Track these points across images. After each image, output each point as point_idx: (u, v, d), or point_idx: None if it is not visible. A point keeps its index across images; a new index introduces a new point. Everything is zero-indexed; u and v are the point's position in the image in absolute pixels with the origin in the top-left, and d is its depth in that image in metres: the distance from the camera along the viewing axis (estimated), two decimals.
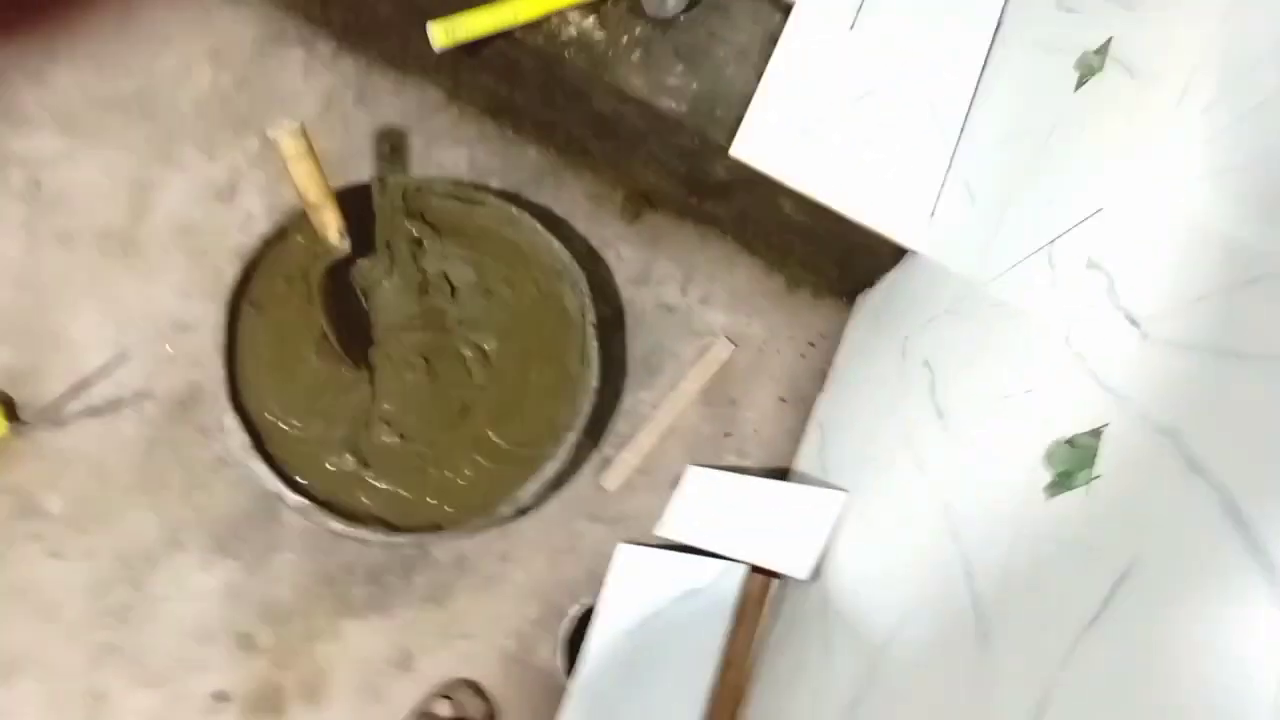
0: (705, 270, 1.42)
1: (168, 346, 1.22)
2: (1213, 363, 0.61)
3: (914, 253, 1.27)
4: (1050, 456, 0.72)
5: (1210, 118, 0.77)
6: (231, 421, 1.07)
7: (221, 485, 1.18)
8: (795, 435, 1.37)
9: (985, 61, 1.34)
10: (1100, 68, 0.99)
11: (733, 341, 1.39)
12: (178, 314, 1.23)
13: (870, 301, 1.39)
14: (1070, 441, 0.72)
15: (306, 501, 1.05)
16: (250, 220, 1.28)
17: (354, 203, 1.17)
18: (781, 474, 1.34)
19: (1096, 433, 0.70)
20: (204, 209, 1.28)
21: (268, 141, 1.29)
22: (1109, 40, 1.00)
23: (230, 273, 1.12)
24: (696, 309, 1.40)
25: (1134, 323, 0.72)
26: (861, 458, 1.14)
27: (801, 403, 1.39)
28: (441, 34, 1.16)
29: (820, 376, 1.40)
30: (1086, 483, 0.68)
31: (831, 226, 1.30)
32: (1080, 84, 1.02)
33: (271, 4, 1.37)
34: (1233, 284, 0.64)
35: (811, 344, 1.42)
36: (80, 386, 1.18)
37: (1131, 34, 0.96)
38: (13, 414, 1.15)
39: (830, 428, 1.29)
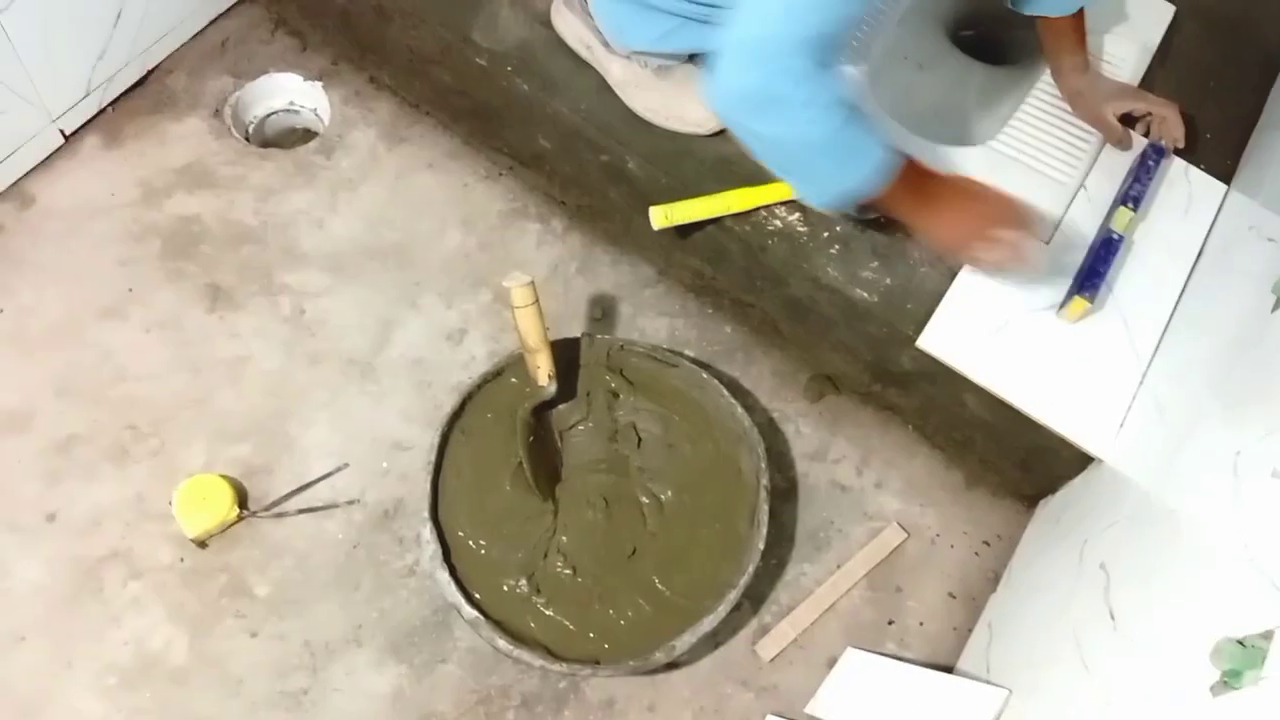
0: (883, 455, 1.45)
1: (384, 462, 1.36)
2: None
3: (1100, 461, 1.26)
4: (1218, 655, 0.70)
5: None
6: (427, 533, 1.17)
7: (406, 593, 1.28)
8: (961, 633, 1.34)
9: (1185, 285, 1.35)
10: None
11: (905, 529, 1.39)
12: (398, 435, 1.38)
13: (1050, 507, 1.37)
14: (1241, 641, 0.70)
15: (479, 615, 1.13)
16: (472, 361, 1.43)
17: (564, 354, 1.30)
18: (944, 670, 1.30)
19: (1268, 635, 0.68)
20: (435, 348, 1.44)
21: (498, 297, 1.47)
22: None
23: (449, 404, 1.25)
24: (870, 492, 1.42)
25: None
26: (1029, 658, 1.11)
27: (970, 601, 1.36)
28: (661, 217, 1.30)
29: (993, 577, 1.38)
30: (1254, 683, 0.66)
31: (1016, 426, 1.31)
32: (1276, 307, 1.03)
33: (519, 185, 1.58)
34: None
35: (986, 543, 1.41)
36: (303, 487, 1.33)
37: None
38: (243, 503, 1.31)
39: (999, 627, 1.26)
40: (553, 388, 1.25)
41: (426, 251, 1.52)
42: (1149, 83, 1.53)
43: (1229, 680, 0.68)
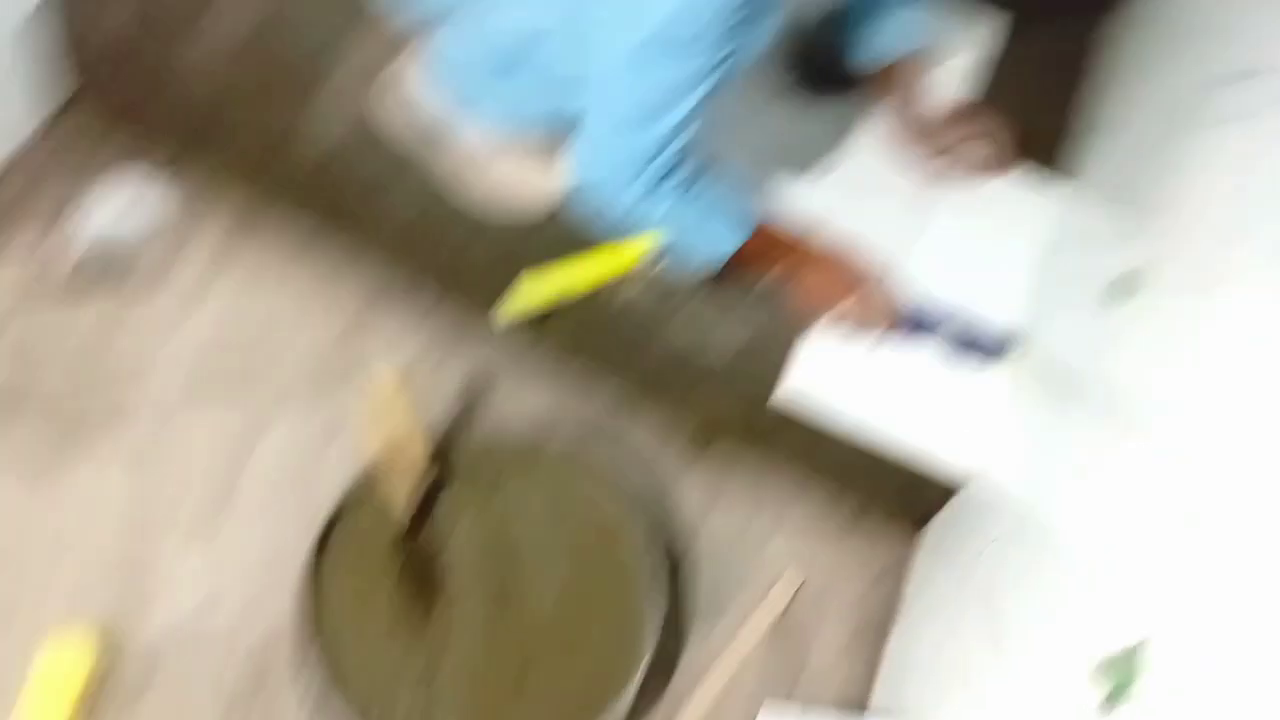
0: (771, 502, 1.45)
1: (259, 588, 1.29)
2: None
3: (971, 482, 1.29)
4: (1098, 674, 0.71)
5: None
6: (308, 661, 1.11)
7: None
8: (870, 669, 1.34)
9: (1034, 287, 1.40)
10: (1133, 292, 1.04)
11: (801, 573, 1.40)
12: (269, 556, 1.31)
13: (934, 531, 1.40)
14: (1118, 656, 0.71)
15: None
16: (343, 466, 1.38)
17: (438, 451, 1.26)
18: (858, 711, 1.30)
19: (1141, 646, 0.70)
20: (302, 459, 1.39)
21: (364, 393, 1.42)
22: (1138, 266, 1.05)
23: (319, 520, 1.20)
24: (763, 540, 1.42)
25: (1173, 539, 0.73)
26: (929, 691, 1.12)
27: (874, 635, 1.37)
28: (514, 308, 1.28)
29: (891, 609, 1.39)
30: (1137, 696, 0.68)
31: (889, 462, 1.33)
32: (1110, 303, 1.07)
33: (378, 263, 1.52)
34: None
35: (880, 577, 1.42)
36: (174, 624, 1.25)
37: (1161, 258, 1.02)
38: (106, 645, 1.22)
39: (902, 660, 1.27)
40: (424, 494, 1.21)
41: (284, 355, 1.46)
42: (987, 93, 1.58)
43: (1113, 697, 0.69)
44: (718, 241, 1.20)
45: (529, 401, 1.47)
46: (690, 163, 1.13)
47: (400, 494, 1.20)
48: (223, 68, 1.41)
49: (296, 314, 1.49)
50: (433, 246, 1.43)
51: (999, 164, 1.47)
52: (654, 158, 1.08)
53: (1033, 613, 0.92)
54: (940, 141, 1.45)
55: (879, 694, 1.29)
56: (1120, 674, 0.69)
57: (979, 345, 1.31)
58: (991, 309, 1.37)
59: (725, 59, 1.04)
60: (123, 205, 1.54)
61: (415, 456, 1.19)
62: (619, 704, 1.12)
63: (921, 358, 1.33)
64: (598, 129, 1.10)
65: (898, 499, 1.42)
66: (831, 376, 1.31)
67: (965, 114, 1.48)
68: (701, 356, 1.34)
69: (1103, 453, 0.92)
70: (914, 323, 1.32)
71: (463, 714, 1.15)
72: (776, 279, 1.27)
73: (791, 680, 1.33)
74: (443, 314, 1.52)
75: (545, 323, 1.41)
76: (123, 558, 1.29)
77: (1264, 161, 0.87)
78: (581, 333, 1.43)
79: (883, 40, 1.41)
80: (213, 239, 1.53)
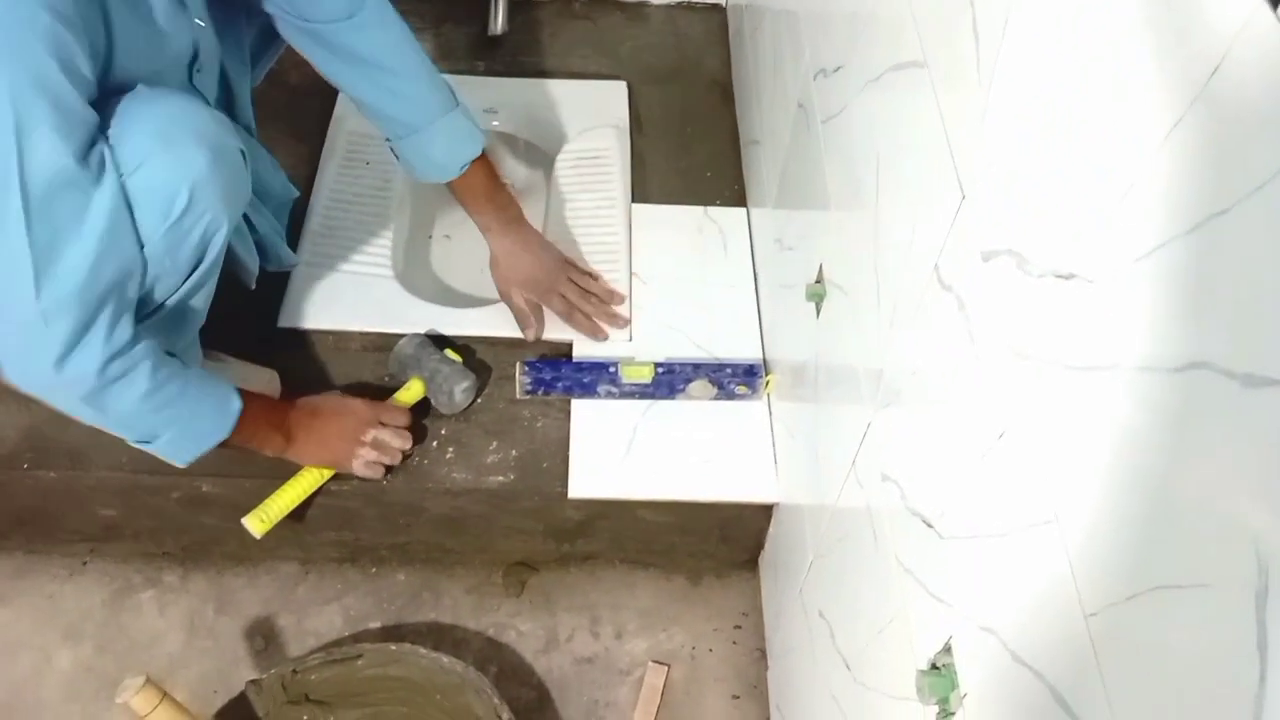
0: (607, 605, 1.40)
1: None
2: (997, 546, 0.62)
3: (776, 505, 1.29)
4: (921, 690, 0.70)
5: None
6: None
7: None
8: None
9: (759, 314, 1.44)
10: (824, 293, 1.07)
11: (662, 663, 1.35)
12: None
13: (766, 563, 1.39)
14: (933, 665, 0.70)
15: None
16: None
17: (242, 715, 1.15)
18: None
19: (948, 648, 0.69)
20: None
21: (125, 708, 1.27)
22: (821, 266, 1.08)
23: None
24: (615, 647, 1.37)
25: (928, 524, 0.73)
26: None
27: (755, 690, 1.34)
28: (256, 523, 1.18)
29: (761, 655, 1.36)
30: (960, 705, 0.66)
31: (696, 512, 1.32)
32: (819, 310, 1.09)
33: (110, 563, 1.40)
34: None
35: (738, 627, 1.39)
36: None
37: (831, 257, 1.05)
38: None
39: (784, 706, 1.24)
40: None
41: (40, 692, 1.29)
42: (638, 155, 1.62)
43: (943, 709, 0.68)
44: (211, 426, 1.07)
45: (321, 629, 1.36)
46: (154, 356, 0.99)
47: None
48: None
49: (38, 649, 1.33)
50: (160, 503, 1.31)
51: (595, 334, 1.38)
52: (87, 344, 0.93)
53: (860, 627, 0.91)
54: (525, 293, 1.37)
55: None
56: (939, 685, 0.68)
57: (733, 383, 1.33)
58: (733, 345, 1.39)
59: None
60: None
61: None
62: None
63: (689, 410, 1.33)
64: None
65: (721, 546, 1.40)
66: (612, 457, 1.29)
67: (551, 280, 1.37)
68: (479, 494, 1.28)
69: (855, 447, 0.92)
70: (669, 382, 1.32)
71: None
72: (290, 450, 1.19)
73: None
74: (194, 584, 1.39)
75: (306, 523, 1.32)
76: None
77: (856, 150, 0.91)
78: (350, 521, 1.34)
79: (437, 157, 1.27)
80: None
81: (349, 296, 1.40)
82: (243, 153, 1.07)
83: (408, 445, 1.25)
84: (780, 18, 1.34)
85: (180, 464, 1.08)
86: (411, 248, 1.59)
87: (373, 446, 1.22)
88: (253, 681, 1.18)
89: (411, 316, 1.39)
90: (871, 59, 0.88)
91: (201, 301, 1.11)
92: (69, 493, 1.29)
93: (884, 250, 0.84)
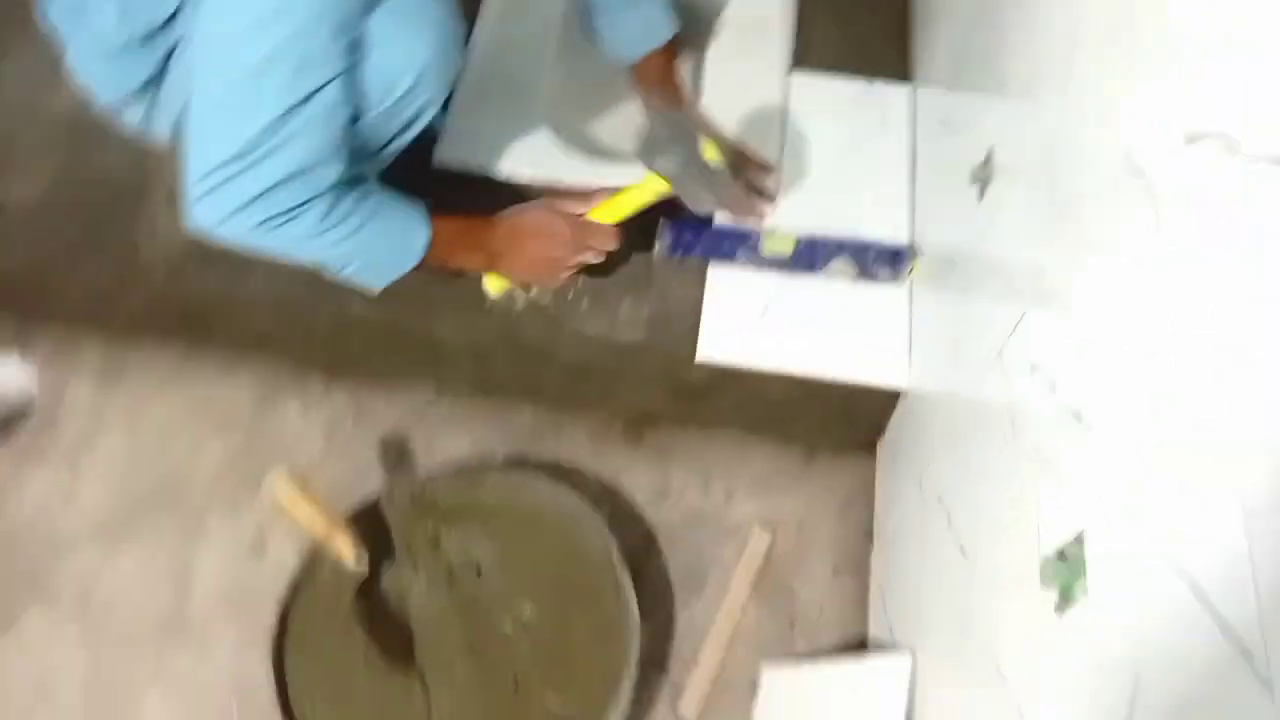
0: (720, 467, 1.43)
1: (235, 713, 1.25)
2: (1155, 444, 0.60)
3: (905, 392, 1.28)
4: (1045, 575, 0.70)
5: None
6: None
7: None
8: (860, 603, 1.33)
9: (913, 193, 1.39)
10: (990, 177, 1.02)
11: (769, 528, 1.38)
12: (237, 676, 1.27)
13: (886, 448, 1.38)
14: (1061, 554, 0.70)
15: None
16: (284, 569, 1.31)
17: (369, 518, 1.23)
18: (859, 647, 1.29)
19: (1080, 539, 0.68)
20: (241, 571, 1.34)
21: (268, 500, 1.37)
22: (991, 150, 1.04)
23: (273, 624, 1.16)
24: (723, 507, 1.40)
25: (1078, 418, 0.71)
26: (917, 612, 1.11)
27: (857, 568, 1.36)
28: (493, 285, 1.24)
29: (867, 535, 1.38)
30: (1084, 593, 0.66)
31: (822, 390, 1.32)
32: (981, 196, 1.05)
33: (260, 368, 1.49)
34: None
35: (847, 505, 1.41)
36: None
37: (1004, 140, 1.00)
38: None
39: (887, 586, 1.26)
40: (365, 563, 1.18)
41: (193, 476, 1.41)
42: (801, 19, 1.56)
43: (1064, 596, 0.68)
44: (410, 250, 1.10)
45: (449, 452, 1.43)
46: (330, 195, 1.01)
47: (343, 563, 1.17)
48: (30, 233, 1.36)
49: (191, 438, 1.44)
50: (312, 320, 1.38)
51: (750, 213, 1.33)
52: (261, 196, 0.96)
53: (982, 514, 0.91)
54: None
55: (873, 626, 1.28)
56: (1065, 573, 0.68)
57: (877, 265, 1.30)
58: (880, 227, 1.35)
59: (332, 85, 0.96)
60: None
61: (345, 536, 1.15)
62: (618, 707, 1.10)
63: (825, 288, 1.31)
64: (196, 170, 0.96)
65: (842, 426, 1.40)
66: (743, 327, 1.29)
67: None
68: (610, 347, 1.31)
69: (1004, 337, 0.90)
70: (809, 258, 1.30)
71: None
72: (491, 266, 1.20)
73: (787, 635, 1.32)
74: (336, 396, 1.48)
75: (447, 351, 1.37)
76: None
77: (1048, 20, 0.85)
78: (486, 357, 1.39)
79: (626, 35, 1.32)
80: (85, 391, 1.47)
81: (501, 141, 1.41)
82: (464, 39, 1.10)
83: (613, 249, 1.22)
84: None
85: (375, 289, 1.13)
86: (565, 99, 1.58)
87: (568, 265, 1.21)
88: (386, 490, 1.26)
89: (562, 164, 1.39)
90: None
91: (391, 155, 1.15)
92: (228, 300, 1.37)
93: (1067, 131, 0.80)
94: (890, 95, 1.49)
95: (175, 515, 1.38)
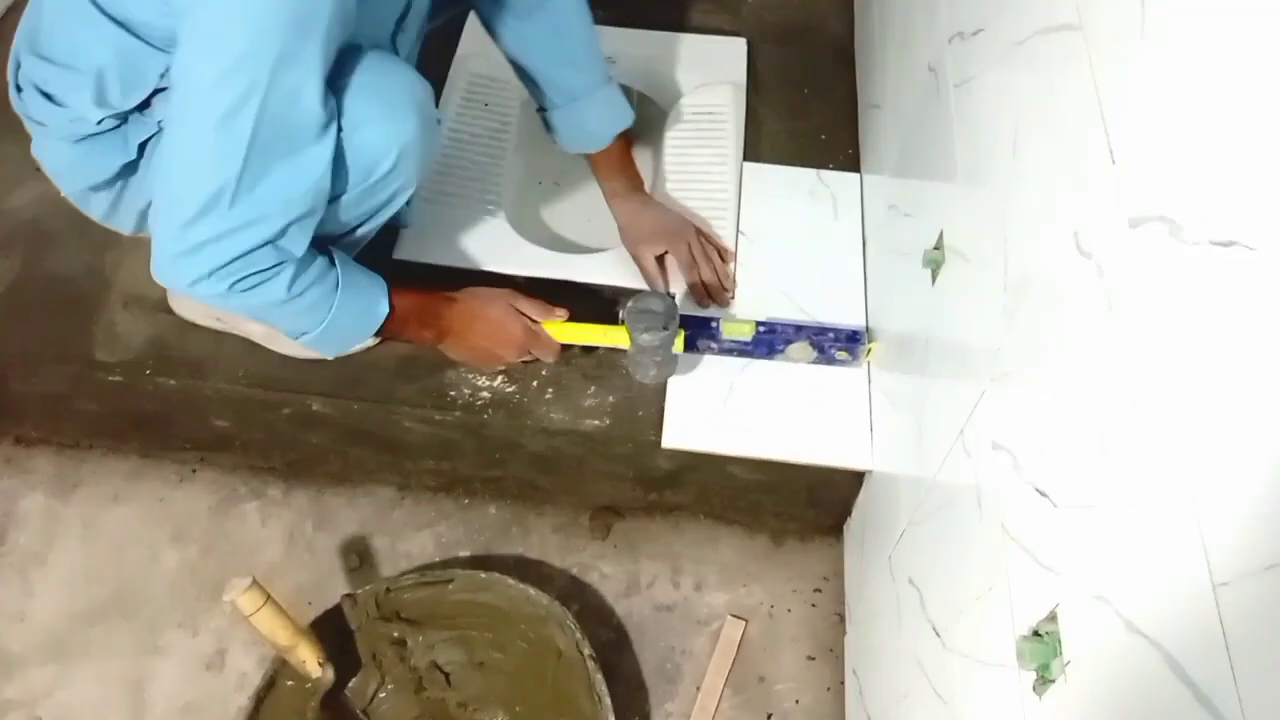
0: (689, 557, 1.42)
1: None
2: (1120, 516, 0.61)
3: (869, 473, 1.29)
4: (1021, 655, 0.69)
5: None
6: None
7: None
8: (836, 690, 1.31)
9: (864, 281, 1.42)
10: (942, 260, 1.05)
11: (740, 617, 1.36)
12: None
13: (853, 530, 1.38)
14: (1036, 632, 0.70)
15: None
16: (245, 679, 1.29)
17: (332, 627, 1.19)
18: None
19: (1053, 616, 0.68)
20: (199, 684, 1.29)
21: (230, 608, 1.33)
22: (941, 234, 1.07)
23: None
24: (694, 597, 1.39)
25: (1042, 494, 0.72)
26: (893, 695, 1.09)
27: (830, 653, 1.34)
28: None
29: (839, 620, 1.37)
30: (1062, 671, 0.66)
31: (786, 474, 1.32)
32: (934, 279, 1.08)
33: (217, 472, 1.46)
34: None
35: (818, 590, 1.40)
36: None
37: (954, 225, 1.03)
38: None
39: (862, 672, 1.24)
40: (329, 672, 1.14)
41: (149, 586, 1.37)
42: (753, 114, 1.61)
43: (1042, 676, 0.67)
44: (368, 320, 1.12)
45: (413, 553, 1.41)
46: (303, 261, 1.02)
47: (307, 674, 1.13)
48: None
49: (148, 547, 1.40)
50: (271, 419, 1.36)
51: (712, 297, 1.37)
52: (240, 259, 0.96)
53: (955, 594, 0.90)
54: (652, 249, 1.37)
55: (851, 714, 1.26)
56: (1041, 653, 0.67)
57: (835, 348, 1.32)
58: (836, 310, 1.38)
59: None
60: None
61: (308, 645, 1.12)
62: None
63: (787, 372, 1.33)
64: (171, 225, 0.96)
65: (808, 509, 1.41)
66: (707, 412, 1.30)
67: (672, 232, 1.37)
68: (574, 436, 1.31)
69: (964, 417, 0.91)
70: (769, 342, 1.32)
71: None
72: (441, 344, 1.24)
73: None
74: (296, 500, 1.45)
75: (410, 447, 1.36)
76: None
77: (991, 116, 0.89)
78: (449, 451, 1.38)
79: (581, 130, 1.34)
80: (38, 502, 1.44)
81: (461, 235, 1.42)
82: (438, 121, 1.12)
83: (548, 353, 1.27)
84: None
85: (329, 356, 1.17)
86: (523, 192, 1.61)
87: (510, 354, 1.25)
88: (348, 595, 1.23)
89: (521, 258, 1.41)
90: (1019, 22, 0.86)
91: (361, 242, 1.17)
92: (186, 401, 1.35)
93: (1015, 217, 0.83)
94: (840, 182, 1.54)
95: (131, 628, 1.33)
